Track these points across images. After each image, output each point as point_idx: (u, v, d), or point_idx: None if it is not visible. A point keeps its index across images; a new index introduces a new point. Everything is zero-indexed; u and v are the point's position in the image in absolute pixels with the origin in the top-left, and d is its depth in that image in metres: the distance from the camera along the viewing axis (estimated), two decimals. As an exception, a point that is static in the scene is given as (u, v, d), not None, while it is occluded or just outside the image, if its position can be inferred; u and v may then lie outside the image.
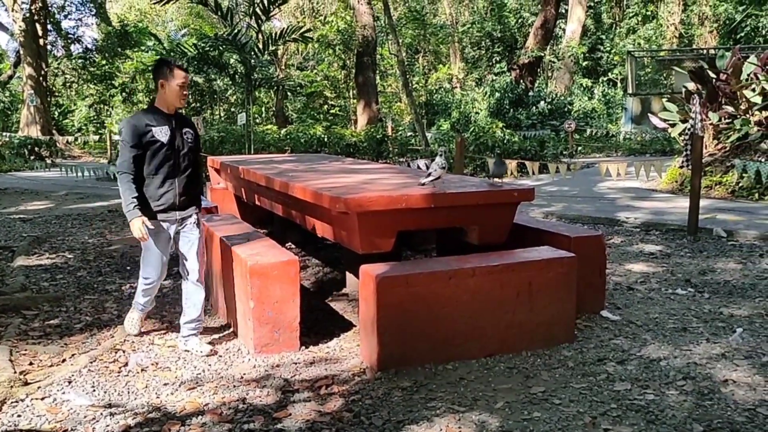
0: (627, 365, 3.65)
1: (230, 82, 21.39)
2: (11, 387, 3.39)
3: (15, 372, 3.59)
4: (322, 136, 17.05)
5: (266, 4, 12.37)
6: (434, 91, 30.36)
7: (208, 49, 13.82)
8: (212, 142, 15.31)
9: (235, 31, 12.63)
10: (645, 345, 3.96)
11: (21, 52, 23.69)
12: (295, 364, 3.75)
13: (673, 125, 11.74)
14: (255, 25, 12.95)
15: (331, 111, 27.99)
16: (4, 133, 22.56)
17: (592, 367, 3.63)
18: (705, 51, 22.52)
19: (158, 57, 4.06)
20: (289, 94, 20.32)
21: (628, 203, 9.61)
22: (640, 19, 30.86)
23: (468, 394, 3.31)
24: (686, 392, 3.29)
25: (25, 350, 4.01)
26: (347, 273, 5.42)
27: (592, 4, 30.07)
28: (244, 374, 3.62)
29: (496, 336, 3.79)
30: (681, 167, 10.77)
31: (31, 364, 3.81)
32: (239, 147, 14.90)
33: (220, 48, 13.78)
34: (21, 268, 6.07)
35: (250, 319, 3.86)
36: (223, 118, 24.80)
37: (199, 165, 4.09)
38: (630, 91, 22.17)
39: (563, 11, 26.75)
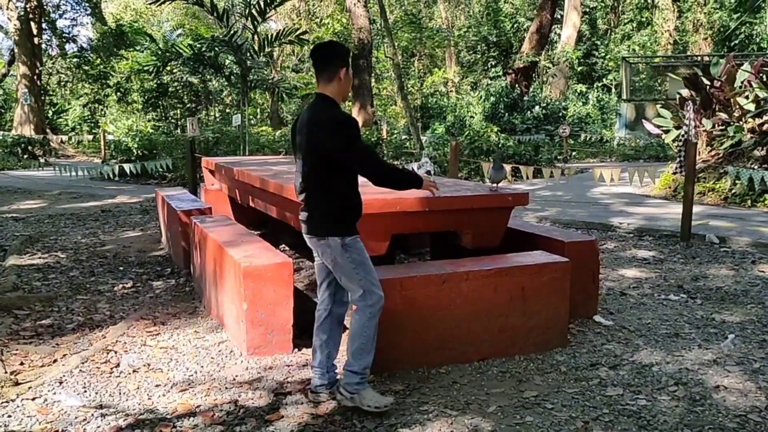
0: (619, 370, 3.66)
1: (226, 83, 21.37)
2: (2, 387, 3.38)
3: (6, 372, 3.57)
4: (317, 138, 17.00)
5: (262, 6, 12.39)
6: (429, 94, 30.39)
7: (203, 50, 13.81)
8: (207, 143, 15.28)
9: (231, 32, 12.64)
10: (637, 350, 3.97)
11: (15, 50, 23.63)
12: (288, 366, 3.74)
13: (666, 131, 11.80)
14: (251, 27, 12.95)
15: (326, 113, 27.91)
16: (-2, 132, 22.49)
17: (584, 372, 3.63)
18: (699, 58, 22.67)
19: (329, 41, 3.23)
20: (284, 95, 20.28)
21: (621, 209, 9.64)
22: (635, 25, 31.05)
23: (461, 398, 3.31)
24: (678, 398, 3.30)
25: (17, 350, 3.99)
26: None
27: (587, 9, 30.20)
28: (237, 376, 3.60)
29: (489, 340, 3.80)
30: (674, 173, 10.83)
31: (22, 364, 3.78)
32: (234, 148, 14.87)
33: (216, 49, 13.77)
34: (13, 268, 6.03)
35: (243, 321, 3.85)
36: (218, 119, 24.75)
37: None
38: (624, 96, 22.27)
39: (558, 16, 26.82)
